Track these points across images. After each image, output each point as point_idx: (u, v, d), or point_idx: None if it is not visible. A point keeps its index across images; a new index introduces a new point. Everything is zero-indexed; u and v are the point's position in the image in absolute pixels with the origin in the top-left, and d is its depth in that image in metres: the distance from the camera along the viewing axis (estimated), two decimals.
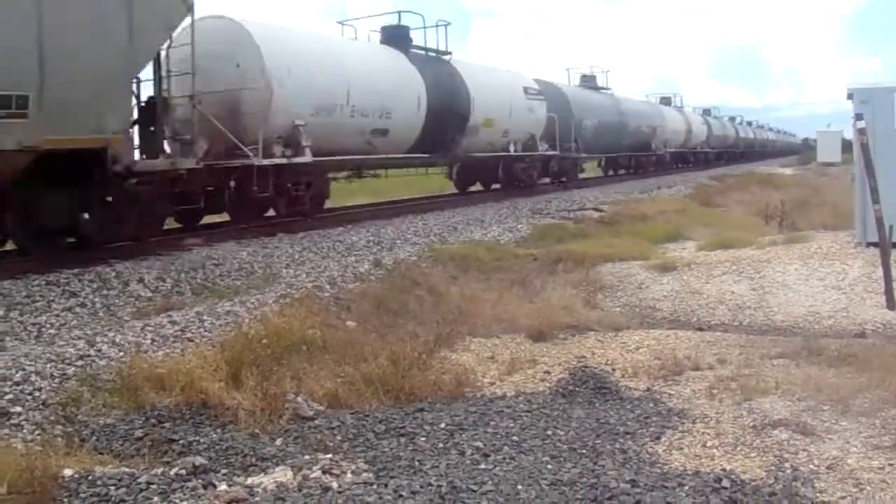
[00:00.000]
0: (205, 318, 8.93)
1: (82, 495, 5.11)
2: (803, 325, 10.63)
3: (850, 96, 13.26)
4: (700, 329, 10.55)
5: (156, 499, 5.08)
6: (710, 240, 15.37)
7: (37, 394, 6.53)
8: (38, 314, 9.17)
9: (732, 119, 78.72)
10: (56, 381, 6.79)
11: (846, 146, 50.32)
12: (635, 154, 42.02)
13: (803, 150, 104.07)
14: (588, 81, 37.88)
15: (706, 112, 66.19)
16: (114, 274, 10.83)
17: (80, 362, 7.18)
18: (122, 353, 7.48)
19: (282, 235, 14.94)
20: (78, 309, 9.55)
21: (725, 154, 68.37)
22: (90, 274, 10.70)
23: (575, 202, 24.32)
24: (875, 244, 11.63)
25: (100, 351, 7.52)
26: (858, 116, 11.86)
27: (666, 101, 53.43)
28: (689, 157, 54.20)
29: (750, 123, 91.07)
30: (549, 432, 6.60)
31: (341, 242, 14.62)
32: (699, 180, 38.07)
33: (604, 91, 38.54)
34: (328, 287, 10.75)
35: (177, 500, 5.08)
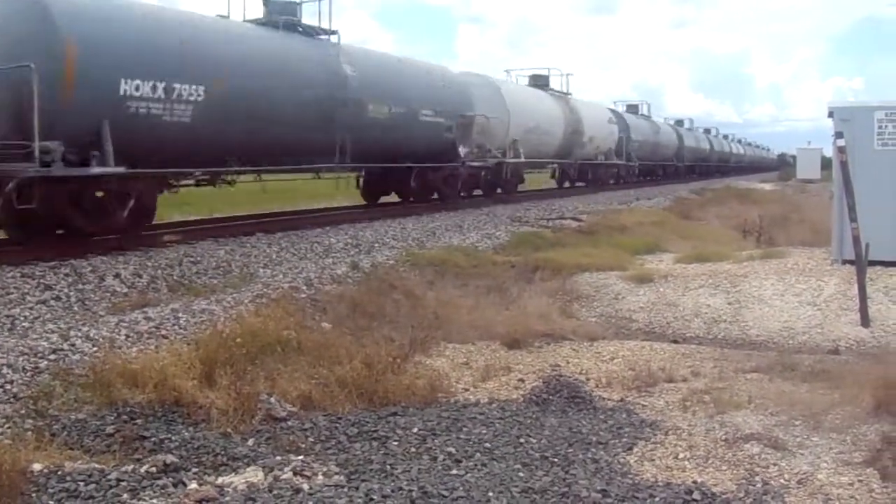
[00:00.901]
0: (180, 315, 8.89)
1: (51, 490, 5.08)
2: (778, 340, 10.69)
3: (830, 114, 13.34)
4: (675, 341, 10.58)
5: (125, 496, 5.05)
6: (688, 253, 15.45)
7: (8, 387, 6.49)
8: (12, 306, 9.11)
9: (680, 123, 63.43)
10: (28, 374, 6.74)
11: (826, 164, 50.66)
12: (403, 165, 21.58)
13: (780, 167, 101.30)
14: (281, 12, 17.86)
15: (631, 108, 49.84)
16: (90, 268, 10.78)
17: (53, 356, 7.14)
18: (95, 348, 7.44)
19: (260, 235, 14.89)
20: (52, 302, 9.49)
21: (661, 169, 52.78)
22: (66, 267, 10.65)
23: (554, 211, 24.37)
24: (851, 262, 11.70)
25: (73, 345, 7.48)
26: (838, 135, 11.93)
27: (540, 81, 34.34)
28: (572, 172, 36.83)
29: (708, 131, 75.21)
30: (522, 440, 6.60)
31: (319, 244, 14.60)
32: (679, 193, 38.06)
33: (319, 37, 18.81)
34: (305, 288, 10.72)
35: (146, 498, 5.06)
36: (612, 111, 43.13)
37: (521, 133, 28.41)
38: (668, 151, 53.50)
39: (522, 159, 28.62)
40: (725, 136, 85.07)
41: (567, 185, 38.00)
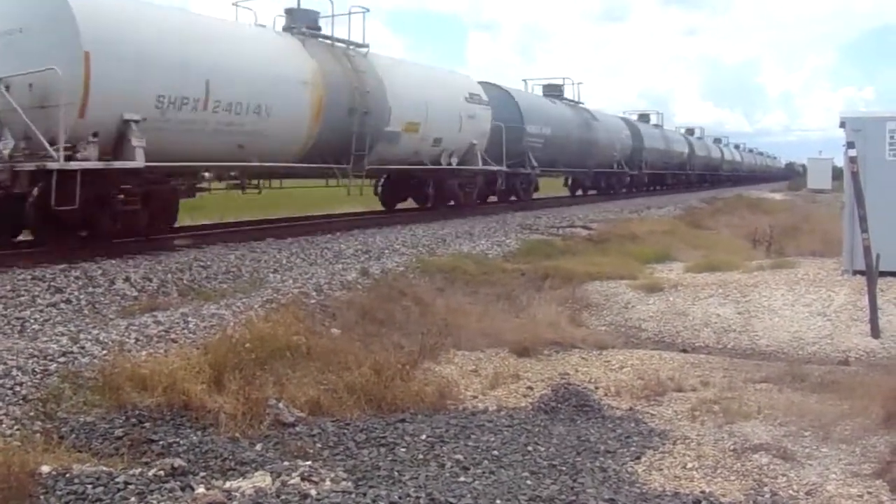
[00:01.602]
0: (190, 319, 8.90)
1: (59, 493, 5.09)
2: (787, 350, 10.66)
3: (842, 124, 13.31)
4: (684, 351, 10.58)
5: (133, 499, 5.05)
6: (698, 262, 15.40)
7: (17, 388, 6.50)
8: (23, 308, 9.13)
9: (645, 119, 49.90)
10: (37, 376, 6.75)
11: (837, 174, 50.39)
12: None
13: (790, 176, 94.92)
14: None
15: (551, 89, 33.84)
16: (100, 272, 10.80)
17: (62, 359, 7.15)
18: (105, 352, 7.45)
19: (270, 240, 14.91)
20: (63, 305, 9.51)
21: (601, 179, 38.51)
22: (76, 270, 10.67)
23: (564, 219, 24.35)
24: (862, 272, 11.66)
25: (83, 348, 7.49)
26: (850, 145, 11.91)
27: (301, 21, 18.75)
28: (375, 185, 23.08)
29: (692, 132, 62.69)
30: (530, 448, 6.59)
31: (329, 250, 14.61)
32: (690, 202, 37.89)
33: None
34: (314, 294, 10.73)
35: (154, 502, 5.06)
36: (488, 85, 26.68)
37: (146, 106, 13.36)
38: (610, 153, 37.99)
39: (140, 163, 13.03)
40: (718, 141, 73.63)
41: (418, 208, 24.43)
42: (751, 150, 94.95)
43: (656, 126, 50.64)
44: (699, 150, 59.48)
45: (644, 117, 50.16)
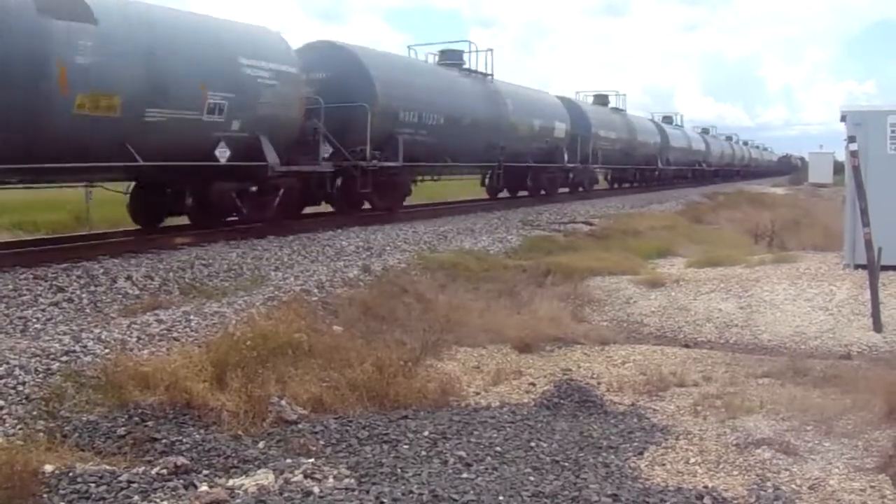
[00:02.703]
0: (191, 317, 8.90)
1: (62, 492, 5.09)
2: (789, 345, 10.65)
3: (843, 118, 13.31)
4: (686, 346, 10.57)
5: (136, 497, 5.06)
6: (700, 257, 15.40)
7: (20, 388, 6.50)
8: (25, 308, 9.14)
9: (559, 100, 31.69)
10: (40, 375, 6.76)
11: (838, 168, 50.29)
12: None
13: (785, 171, 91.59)
14: None
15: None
16: (102, 270, 10.81)
17: (64, 358, 7.16)
18: (107, 350, 7.45)
19: (271, 238, 14.91)
20: (64, 304, 9.51)
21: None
22: (78, 269, 10.68)
23: (565, 215, 24.35)
24: (864, 266, 11.66)
25: (85, 347, 7.50)
26: (851, 139, 11.89)
27: None
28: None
29: (612, 106, 39.85)
30: (533, 444, 6.59)
31: (331, 247, 14.60)
32: (691, 198, 37.82)
33: None
34: (316, 291, 10.73)
35: (157, 500, 5.06)
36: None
37: None
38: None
39: None
40: (668, 119, 54.66)
41: None
42: (728, 138, 75.73)
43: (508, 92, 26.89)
44: (634, 132, 38.86)
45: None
